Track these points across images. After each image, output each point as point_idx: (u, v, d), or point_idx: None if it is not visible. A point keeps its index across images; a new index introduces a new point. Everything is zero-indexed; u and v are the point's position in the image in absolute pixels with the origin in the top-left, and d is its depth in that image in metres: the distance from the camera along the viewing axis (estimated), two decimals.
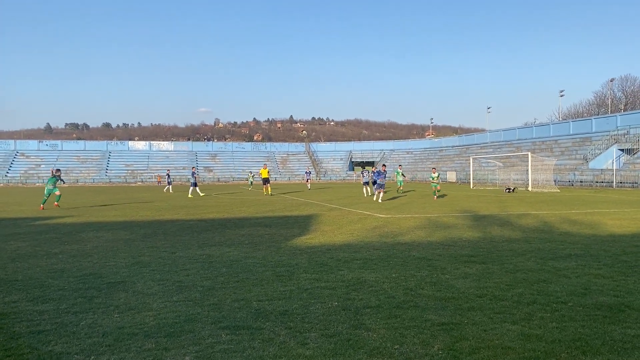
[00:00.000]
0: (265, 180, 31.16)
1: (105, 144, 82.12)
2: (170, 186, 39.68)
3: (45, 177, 67.43)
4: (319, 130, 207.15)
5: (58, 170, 22.34)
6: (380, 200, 22.09)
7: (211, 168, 76.56)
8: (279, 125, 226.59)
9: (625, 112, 51.15)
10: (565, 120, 62.38)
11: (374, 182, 25.32)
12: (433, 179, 25.78)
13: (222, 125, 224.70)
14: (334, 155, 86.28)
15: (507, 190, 31.19)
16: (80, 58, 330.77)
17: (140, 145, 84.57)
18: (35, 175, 68.72)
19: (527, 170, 37.20)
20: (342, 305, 5.28)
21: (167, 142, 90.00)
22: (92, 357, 3.88)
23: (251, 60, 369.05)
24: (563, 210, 17.01)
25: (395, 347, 4.02)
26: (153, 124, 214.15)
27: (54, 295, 5.82)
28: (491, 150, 60.01)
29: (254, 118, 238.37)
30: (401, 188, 32.49)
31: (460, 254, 8.39)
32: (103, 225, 13.91)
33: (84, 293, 5.93)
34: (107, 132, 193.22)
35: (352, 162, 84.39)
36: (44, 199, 20.69)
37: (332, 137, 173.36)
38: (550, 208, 18.18)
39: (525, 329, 4.41)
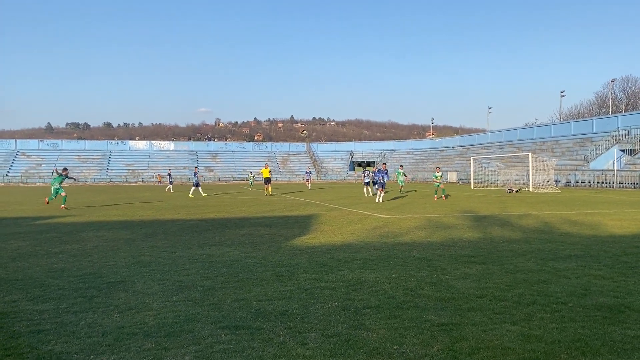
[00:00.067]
0: (267, 180, 31.16)
1: (106, 144, 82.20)
2: (171, 186, 39.69)
3: (46, 177, 67.60)
4: (320, 130, 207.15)
5: (65, 169, 22.01)
6: (381, 200, 22.08)
7: (212, 168, 76.57)
8: (280, 125, 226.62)
9: (626, 113, 51.10)
10: (566, 121, 62.35)
11: (375, 182, 25.34)
12: (436, 178, 25.71)
13: (223, 125, 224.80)
14: (334, 156, 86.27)
15: (510, 191, 31.05)
16: (81, 58, 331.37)
17: (141, 145, 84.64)
18: (36, 174, 68.80)
19: (528, 170, 37.18)
20: (342, 305, 5.28)
21: (167, 142, 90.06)
22: (92, 357, 3.89)
23: (251, 60, 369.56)
24: (563, 211, 17.00)
25: (395, 347, 4.02)
26: (154, 123, 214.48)
27: (54, 295, 5.82)
28: (492, 150, 59.97)
29: (255, 118, 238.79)
30: (402, 188, 32.49)
31: (461, 254, 8.39)
32: (103, 224, 13.92)
33: (84, 292, 5.94)
34: (108, 131, 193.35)
35: (353, 162, 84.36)
36: (51, 197, 20.58)
37: (332, 137, 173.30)
38: (550, 208, 18.17)
39: (525, 330, 4.40)
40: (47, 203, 19.53)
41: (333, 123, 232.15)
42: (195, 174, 30.91)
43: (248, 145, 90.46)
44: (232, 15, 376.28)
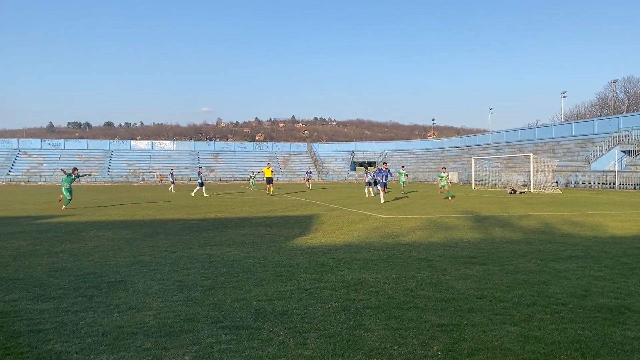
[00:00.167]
0: (269, 180, 31.15)
1: (107, 143, 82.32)
2: (173, 185, 39.72)
3: (47, 176, 67.74)
4: (321, 131, 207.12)
5: (75, 169, 21.65)
6: (382, 201, 22.04)
7: (213, 167, 76.60)
8: (281, 125, 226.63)
9: (628, 114, 51.02)
10: (567, 122, 62.31)
11: (376, 183, 25.31)
12: (442, 178, 25.50)
13: (224, 125, 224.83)
14: (335, 156, 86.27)
15: (513, 192, 30.91)
16: (83, 57, 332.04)
17: (142, 144, 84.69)
18: (37, 174, 68.90)
19: (529, 171, 37.14)
20: (341, 305, 5.28)
21: (169, 142, 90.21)
22: (92, 356, 3.89)
23: (252, 60, 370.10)
24: (564, 212, 16.99)
25: (395, 348, 4.02)
26: (155, 123, 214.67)
27: (54, 294, 5.83)
28: (493, 151, 59.91)
29: (256, 118, 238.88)
30: (404, 188, 32.50)
31: (461, 255, 8.39)
32: (104, 224, 13.94)
33: (84, 292, 5.95)
34: (109, 131, 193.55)
35: (354, 162, 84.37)
36: (66, 200, 19.85)
37: (334, 137, 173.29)
38: (551, 209, 18.15)
39: (525, 331, 4.40)
40: (64, 208, 19.29)
41: (334, 123, 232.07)
42: (200, 173, 30.93)
43: (249, 145, 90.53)
44: (232, 15, 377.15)
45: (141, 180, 70.11)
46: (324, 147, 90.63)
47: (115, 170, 72.88)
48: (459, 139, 75.72)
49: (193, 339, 4.26)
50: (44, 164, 71.29)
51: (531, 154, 37.90)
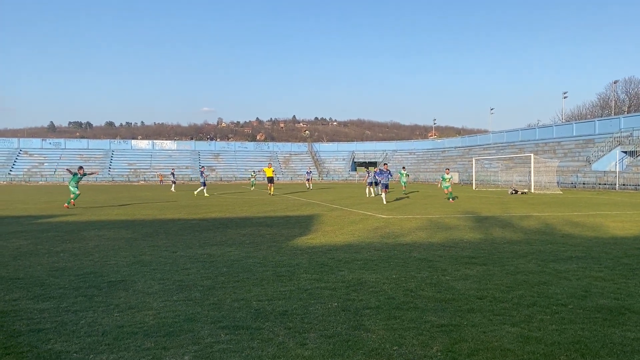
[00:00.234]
0: (270, 180, 31.15)
1: (108, 143, 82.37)
2: (174, 185, 39.74)
3: (48, 176, 67.79)
4: (322, 131, 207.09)
5: (81, 167, 21.63)
6: (385, 202, 21.99)
7: (214, 167, 76.61)
8: (282, 125, 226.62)
9: (629, 114, 50.98)
10: (568, 122, 62.26)
11: (376, 183, 25.30)
12: (445, 180, 25.38)
13: (225, 125, 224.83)
14: (336, 156, 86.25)
15: (514, 192, 30.88)
16: (84, 57, 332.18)
17: (143, 144, 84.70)
18: (38, 173, 68.93)
19: (530, 171, 37.11)
20: (341, 305, 5.28)
21: (170, 141, 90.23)
22: (92, 356, 3.89)
23: (252, 60, 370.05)
24: (565, 212, 16.97)
25: (394, 348, 4.02)
26: (156, 123, 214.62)
27: (54, 294, 5.83)
28: (494, 151, 59.88)
29: (257, 118, 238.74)
30: (405, 189, 32.49)
31: (461, 255, 8.38)
32: (105, 224, 13.95)
33: (84, 292, 5.95)
34: (110, 130, 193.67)
35: (355, 162, 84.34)
36: (76, 195, 19.94)
37: (334, 137, 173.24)
38: (552, 210, 18.14)
39: (525, 331, 4.40)
40: (74, 205, 19.27)
41: (335, 123, 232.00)
42: (202, 173, 30.94)
43: (250, 145, 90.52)
44: (232, 15, 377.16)
45: (142, 180, 70.13)
46: (324, 147, 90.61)
47: (116, 170, 72.91)
48: (459, 139, 75.68)
49: (193, 338, 4.26)
50: (45, 164, 71.33)
51: (532, 155, 37.88)
